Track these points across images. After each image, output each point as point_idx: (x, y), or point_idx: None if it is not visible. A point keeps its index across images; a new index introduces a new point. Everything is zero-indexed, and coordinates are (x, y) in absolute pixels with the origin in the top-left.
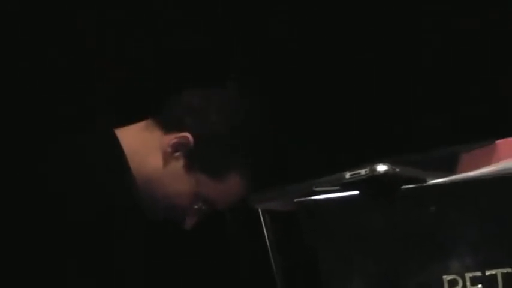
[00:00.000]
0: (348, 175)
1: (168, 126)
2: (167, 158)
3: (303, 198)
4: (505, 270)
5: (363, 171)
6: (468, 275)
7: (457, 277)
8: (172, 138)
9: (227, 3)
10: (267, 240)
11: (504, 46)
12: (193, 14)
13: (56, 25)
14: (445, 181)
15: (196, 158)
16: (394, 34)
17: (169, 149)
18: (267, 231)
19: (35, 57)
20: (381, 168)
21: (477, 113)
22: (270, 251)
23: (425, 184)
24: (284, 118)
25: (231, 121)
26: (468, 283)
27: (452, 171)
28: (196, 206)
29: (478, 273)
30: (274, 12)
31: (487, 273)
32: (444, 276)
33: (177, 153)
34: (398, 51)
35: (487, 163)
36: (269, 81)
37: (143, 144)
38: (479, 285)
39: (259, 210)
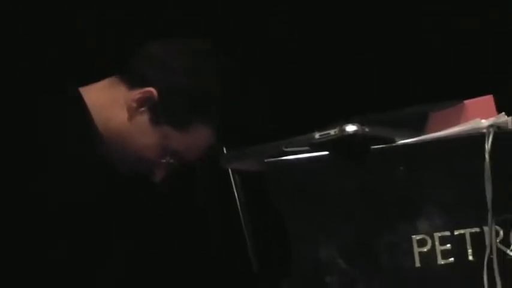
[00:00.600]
0: (317, 135)
1: (131, 81)
2: (133, 113)
3: (273, 159)
4: (473, 230)
5: (332, 132)
6: (437, 235)
7: (426, 237)
8: (137, 93)
9: (227, 3)
10: (237, 201)
11: (504, 46)
12: (193, 14)
13: (56, 25)
14: (414, 141)
15: (160, 111)
16: (394, 34)
17: (134, 104)
18: (237, 191)
19: (34, 57)
20: (350, 128)
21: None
22: (240, 211)
23: (394, 144)
24: (284, 117)
25: (193, 71)
26: (437, 243)
27: (421, 131)
28: (164, 160)
29: (447, 233)
30: (274, 12)
31: (456, 232)
32: (413, 236)
33: (142, 108)
34: (398, 51)
35: (456, 123)
36: (269, 81)
37: (108, 101)
38: (448, 245)
39: (230, 171)
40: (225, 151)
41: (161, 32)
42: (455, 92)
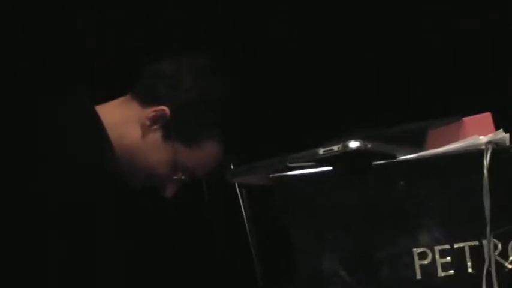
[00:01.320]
0: (321, 151)
1: (144, 99)
2: (146, 130)
3: (278, 174)
4: (472, 243)
5: (335, 148)
6: (437, 248)
7: (427, 250)
8: (150, 111)
9: (227, 3)
10: (244, 215)
11: (504, 46)
12: (193, 14)
13: (56, 25)
14: (415, 157)
15: (172, 128)
16: (394, 34)
17: (147, 122)
18: (243, 205)
19: (34, 57)
20: (353, 144)
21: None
22: (246, 224)
23: (395, 160)
24: (283, 117)
25: (203, 87)
26: (437, 256)
27: (421, 147)
28: (176, 177)
29: (447, 246)
30: (274, 12)
31: (456, 246)
32: (414, 249)
33: (155, 126)
34: (398, 51)
35: (455, 139)
36: (268, 81)
37: (122, 119)
38: (448, 258)
39: (236, 185)
40: (232, 166)
41: (161, 32)
42: (456, 93)
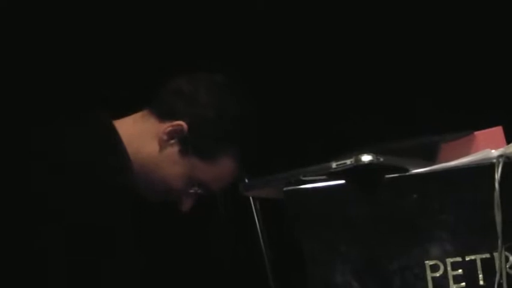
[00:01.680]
0: (334, 165)
1: (162, 115)
2: (163, 145)
3: (291, 187)
4: (484, 256)
5: (348, 161)
6: (449, 260)
7: (438, 262)
8: (167, 126)
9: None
10: (257, 226)
11: (504, 46)
12: (192, 13)
13: (56, 25)
14: (427, 170)
15: (189, 143)
16: (394, 34)
17: (164, 137)
18: (257, 217)
19: (34, 57)
20: (366, 158)
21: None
22: (260, 236)
23: (408, 173)
24: (296, 131)
25: (220, 104)
26: (449, 268)
27: (433, 161)
28: (192, 190)
29: (459, 259)
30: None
31: (467, 258)
32: (426, 261)
33: (172, 141)
34: (399, 51)
35: (467, 153)
36: (266, 80)
37: (139, 133)
38: (460, 270)
39: (250, 198)
40: (246, 180)
41: (160, 31)
42: (467, 107)
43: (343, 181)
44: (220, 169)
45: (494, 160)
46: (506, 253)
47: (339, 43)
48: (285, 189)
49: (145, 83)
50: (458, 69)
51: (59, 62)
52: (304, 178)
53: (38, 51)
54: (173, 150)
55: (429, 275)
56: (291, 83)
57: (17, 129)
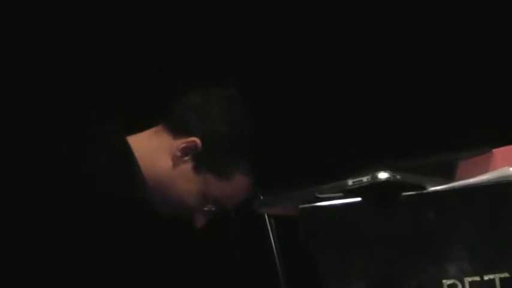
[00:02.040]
0: (350, 182)
1: (175, 131)
2: (176, 161)
3: (307, 205)
4: (502, 275)
5: (365, 179)
6: (467, 280)
7: (456, 281)
8: (181, 142)
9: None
10: (272, 244)
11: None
12: (192, 13)
13: (56, 25)
14: (445, 188)
15: (203, 159)
16: (394, 34)
17: (178, 153)
18: (272, 235)
19: (34, 57)
20: (383, 175)
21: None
22: (275, 254)
23: (424, 191)
24: (288, 121)
25: (233, 119)
26: (467, 287)
27: (450, 178)
28: (206, 208)
29: (477, 278)
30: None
31: (486, 277)
32: (444, 280)
33: (186, 157)
34: (398, 51)
35: (484, 170)
36: (270, 84)
37: (153, 149)
38: None
39: (265, 215)
40: (261, 196)
41: (160, 31)
42: (456, 93)
43: (359, 199)
44: (234, 185)
45: None
46: None
47: (347, 44)
48: (300, 206)
49: (145, 85)
50: (477, 86)
51: (66, 65)
52: (319, 195)
53: (42, 53)
54: (187, 166)
55: None
56: (298, 89)
57: (28, 143)
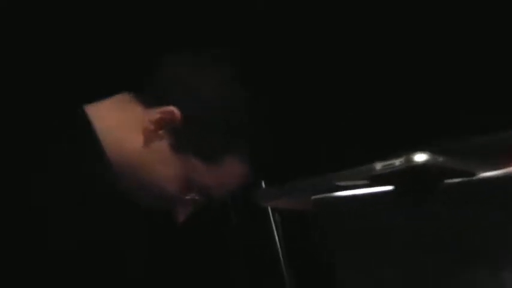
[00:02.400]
0: (379, 166)
1: (149, 100)
2: (149, 136)
3: (322, 195)
4: None
5: (397, 162)
6: None
7: None
8: (155, 113)
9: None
10: (277, 243)
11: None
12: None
13: (56, 25)
14: (499, 174)
15: (186, 139)
16: (394, 34)
17: (151, 126)
18: (277, 232)
19: (34, 57)
20: (420, 157)
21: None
22: (280, 253)
23: (474, 177)
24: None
25: (225, 94)
26: None
27: (505, 163)
28: (188, 197)
29: None
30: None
31: None
32: None
33: (160, 131)
34: (398, 51)
35: None
36: (271, 77)
37: (119, 122)
38: None
39: (269, 209)
40: (263, 186)
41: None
42: (458, 93)
43: (390, 187)
44: (225, 172)
45: None
46: None
47: (346, 44)
48: (313, 197)
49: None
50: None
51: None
52: (340, 183)
53: (42, 53)
54: (162, 144)
55: None
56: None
57: (28, 143)
